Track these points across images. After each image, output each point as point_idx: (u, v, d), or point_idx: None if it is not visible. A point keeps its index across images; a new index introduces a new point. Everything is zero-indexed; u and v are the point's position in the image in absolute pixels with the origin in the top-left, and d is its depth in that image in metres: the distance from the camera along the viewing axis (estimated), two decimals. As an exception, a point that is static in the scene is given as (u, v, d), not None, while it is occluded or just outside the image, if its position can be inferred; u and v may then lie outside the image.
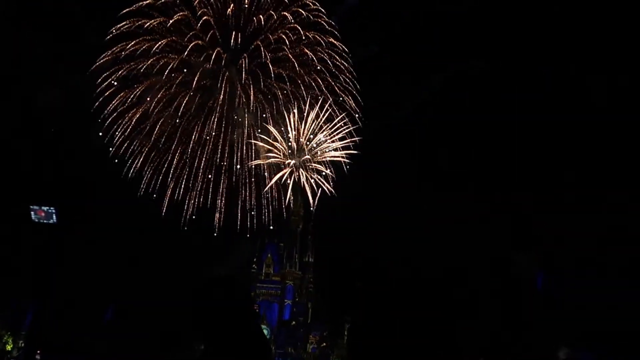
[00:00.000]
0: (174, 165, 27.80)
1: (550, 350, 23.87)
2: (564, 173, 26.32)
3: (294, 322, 29.35)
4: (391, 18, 27.71)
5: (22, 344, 26.81)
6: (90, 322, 25.93)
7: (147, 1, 26.90)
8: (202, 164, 28.14)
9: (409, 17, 27.32)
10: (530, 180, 26.57)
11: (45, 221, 26.86)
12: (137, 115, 27.21)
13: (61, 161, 26.43)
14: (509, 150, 26.76)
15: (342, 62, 27.90)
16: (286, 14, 27.37)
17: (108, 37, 26.77)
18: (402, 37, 27.55)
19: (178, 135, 27.68)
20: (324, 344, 28.76)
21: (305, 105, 27.98)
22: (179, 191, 28.01)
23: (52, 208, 26.80)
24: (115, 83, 27.04)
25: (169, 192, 27.79)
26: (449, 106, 27.55)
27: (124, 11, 26.75)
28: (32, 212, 26.75)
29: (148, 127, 27.40)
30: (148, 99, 26.83)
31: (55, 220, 26.84)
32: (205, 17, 26.79)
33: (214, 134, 27.92)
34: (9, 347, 26.68)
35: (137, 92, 27.07)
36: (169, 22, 26.75)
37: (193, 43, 26.69)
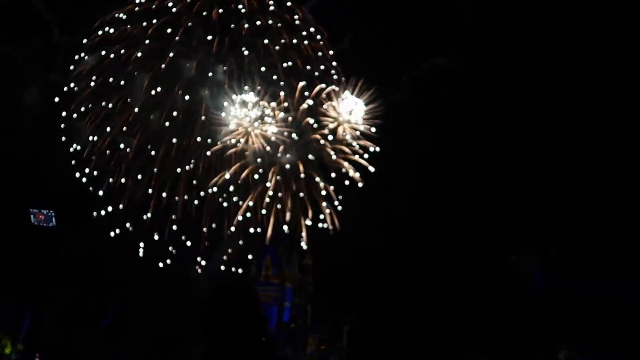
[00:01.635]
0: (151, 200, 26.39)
1: (550, 351, 23.90)
2: (563, 173, 26.35)
3: (293, 325, 29.31)
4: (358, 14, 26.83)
5: (21, 347, 26.76)
6: (89, 324, 25.92)
7: (128, 7, 26.43)
8: (182, 191, 26.59)
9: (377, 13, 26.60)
10: (530, 180, 26.58)
11: (44, 224, 26.88)
12: (119, 124, 26.20)
13: (57, 164, 26.24)
14: (509, 149, 26.75)
15: (331, 66, 27.15)
16: (272, 20, 26.70)
17: (88, 42, 26.23)
18: (373, 33, 26.84)
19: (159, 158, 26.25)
20: (323, 346, 28.73)
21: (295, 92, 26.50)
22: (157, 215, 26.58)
23: (51, 211, 26.83)
24: (90, 105, 26.25)
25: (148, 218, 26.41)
26: (438, 105, 27.18)
27: (102, 19, 26.26)
28: (32, 215, 26.77)
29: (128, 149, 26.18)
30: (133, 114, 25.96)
31: (54, 223, 26.87)
32: (189, 23, 26.17)
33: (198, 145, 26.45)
34: (7, 351, 26.63)
35: (119, 100, 26.23)
36: (150, 28, 26.06)
37: (176, 48, 26.02)
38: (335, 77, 26.73)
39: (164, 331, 24.91)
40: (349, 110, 26.25)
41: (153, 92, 25.64)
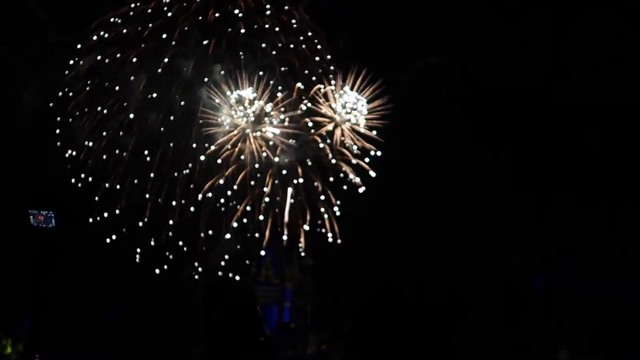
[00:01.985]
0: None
1: (550, 350, 23.90)
2: (563, 174, 26.35)
3: (293, 325, 29.27)
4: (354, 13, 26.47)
5: (21, 348, 26.79)
6: (89, 325, 25.92)
7: (124, 9, 26.24)
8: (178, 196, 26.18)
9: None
10: (530, 181, 26.58)
11: (44, 225, 26.89)
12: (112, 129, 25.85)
13: (56, 164, 26.17)
14: (510, 149, 26.74)
15: (329, 68, 26.83)
16: (269, 21, 26.44)
17: (85, 44, 26.03)
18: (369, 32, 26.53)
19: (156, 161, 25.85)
20: (324, 346, 28.70)
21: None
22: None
23: (50, 212, 26.85)
24: (86, 109, 25.98)
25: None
26: (437, 105, 26.95)
27: (98, 20, 26.05)
28: (31, 217, 26.79)
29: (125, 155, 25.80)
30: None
31: (54, 224, 26.89)
32: (185, 28, 25.90)
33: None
34: (8, 351, 26.67)
35: (115, 103, 26.00)
36: (146, 29, 25.81)
37: (173, 50, 25.74)
38: (332, 79, 26.40)
39: (163, 332, 24.91)
40: (349, 109, 26.02)
41: (150, 94, 25.48)
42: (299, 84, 25.95)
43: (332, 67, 26.49)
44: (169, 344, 24.34)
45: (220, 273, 26.10)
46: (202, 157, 25.24)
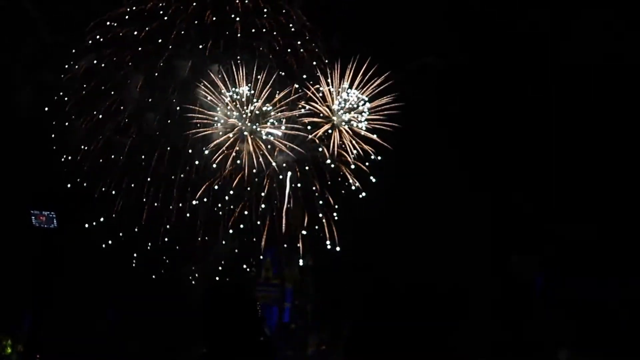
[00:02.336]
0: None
1: (550, 350, 23.93)
2: (563, 174, 26.42)
3: (293, 325, 29.29)
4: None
5: (21, 348, 26.86)
6: (89, 325, 25.99)
7: (121, 10, 26.21)
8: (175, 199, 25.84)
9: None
10: (530, 181, 26.65)
11: (45, 226, 27.00)
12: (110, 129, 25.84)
13: (57, 165, 26.20)
14: (509, 150, 26.80)
15: (326, 69, 26.66)
16: (266, 21, 26.36)
17: (81, 45, 26.04)
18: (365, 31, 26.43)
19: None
20: (324, 346, 28.72)
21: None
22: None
23: (52, 213, 26.95)
24: (82, 112, 25.90)
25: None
26: (433, 102, 26.78)
27: (95, 21, 26.05)
28: (33, 217, 26.89)
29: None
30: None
31: (55, 225, 26.99)
32: (182, 32, 25.86)
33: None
34: (8, 351, 26.74)
35: (112, 105, 25.95)
36: (144, 31, 25.78)
37: (169, 52, 25.70)
38: (329, 80, 26.26)
39: (162, 332, 24.97)
40: (347, 110, 25.97)
41: (146, 96, 25.48)
42: (296, 85, 25.87)
43: (329, 70, 26.36)
44: (169, 344, 24.38)
45: (217, 277, 26.09)
46: (197, 162, 25.22)
